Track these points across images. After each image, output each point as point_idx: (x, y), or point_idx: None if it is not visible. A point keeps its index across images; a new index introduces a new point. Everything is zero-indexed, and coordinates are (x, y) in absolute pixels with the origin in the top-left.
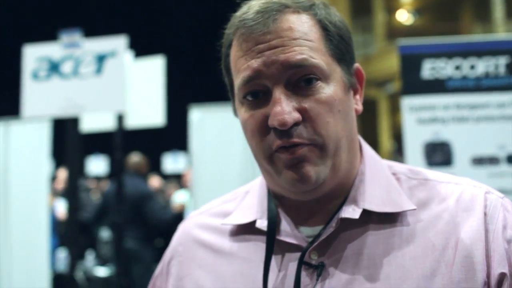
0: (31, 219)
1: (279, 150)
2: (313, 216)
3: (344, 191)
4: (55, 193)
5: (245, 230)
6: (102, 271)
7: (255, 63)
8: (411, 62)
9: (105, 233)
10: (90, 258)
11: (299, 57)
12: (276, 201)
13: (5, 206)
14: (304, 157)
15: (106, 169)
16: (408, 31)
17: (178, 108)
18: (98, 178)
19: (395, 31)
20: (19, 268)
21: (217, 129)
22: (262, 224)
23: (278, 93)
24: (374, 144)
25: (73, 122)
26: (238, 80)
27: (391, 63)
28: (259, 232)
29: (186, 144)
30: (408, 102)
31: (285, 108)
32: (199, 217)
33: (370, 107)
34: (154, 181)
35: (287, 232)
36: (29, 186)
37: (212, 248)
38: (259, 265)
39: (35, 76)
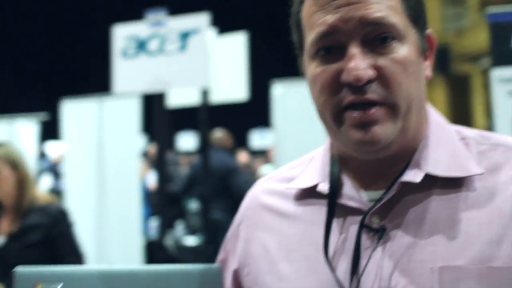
0: (124, 190)
1: (349, 108)
2: (376, 180)
3: (408, 155)
4: (148, 166)
5: (309, 194)
6: (191, 240)
7: (332, 18)
8: (501, 31)
9: (193, 205)
10: (179, 228)
11: (377, 14)
12: (339, 165)
13: (100, 178)
14: (375, 118)
15: (195, 145)
16: (503, 1)
17: (261, 83)
18: (188, 154)
19: (488, 2)
20: (114, 236)
21: (299, 104)
22: (324, 187)
23: (354, 49)
24: (467, 121)
25: (160, 97)
26: (311, 35)
27: (485, 36)
28: (321, 196)
29: (270, 119)
30: (497, 74)
31: (360, 64)
32: (266, 183)
33: (463, 82)
34: (242, 157)
35: (349, 196)
36: (122, 159)
37: (278, 212)
38: (321, 228)
39: (124, 54)
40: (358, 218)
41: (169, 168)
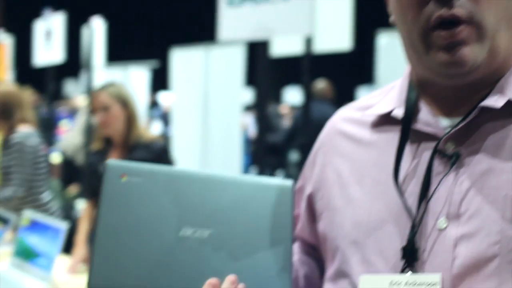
0: (227, 139)
1: (438, 28)
2: (455, 107)
3: (493, 82)
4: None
5: (385, 120)
6: None
7: None
8: None
9: (294, 155)
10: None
11: None
12: (417, 91)
13: (204, 126)
14: (462, 39)
15: (300, 99)
16: None
17: (365, 33)
18: (293, 107)
19: None
20: None
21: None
22: (399, 112)
23: None
24: None
25: (264, 46)
26: None
27: None
28: (397, 122)
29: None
30: None
31: None
32: (345, 111)
33: None
34: None
35: (424, 121)
36: (226, 108)
37: (353, 138)
38: (393, 153)
39: (230, 1)
40: (432, 144)
41: (273, 120)
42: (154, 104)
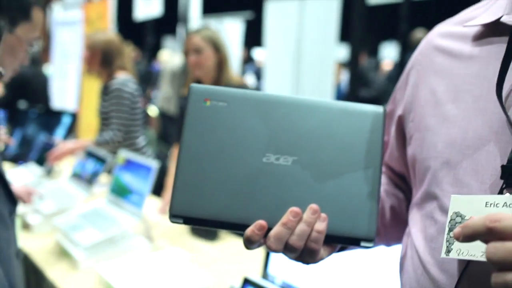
0: (319, 93)
1: None
2: None
3: None
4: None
5: (490, 31)
6: None
7: None
8: None
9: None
10: None
11: None
12: None
13: (296, 80)
14: None
15: (398, 55)
16: None
17: None
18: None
19: None
20: None
21: None
22: (510, 19)
23: None
24: None
25: None
26: None
27: None
28: (504, 31)
29: None
30: None
31: None
32: (442, 26)
33: None
34: None
35: None
36: (319, 62)
37: (451, 54)
38: (497, 66)
39: None
40: None
41: (368, 75)
42: (248, 60)
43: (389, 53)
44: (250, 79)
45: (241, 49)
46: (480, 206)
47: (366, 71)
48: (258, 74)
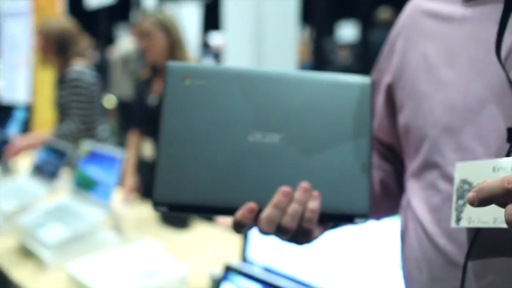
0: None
1: None
2: None
3: None
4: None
5: None
6: None
7: None
8: None
9: None
10: None
11: None
12: None
13: (258, 62)
14: None
15: (355, 36)
16: None
17: None
18: (347, 44)
19: None
20: None
21: None
22: None
23: None
24: None
25: None
26: None
27: None
28: None
29: None
30: None
31: None
32: None
33: None
34: None
35: None
36: (280, 37)
37: (441, 16)
38: (494, 26)
39: None
40: None
41: (329, 55)
42: (206, 44)
43: (347, 32)
44: (208, 61)
45: (199, 33)
46: (488, 171)
47: (327, 52)
48: (218, 59)
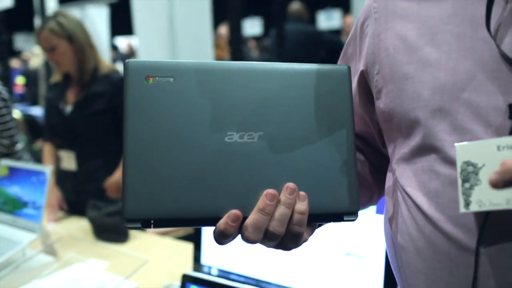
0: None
1: None
2: None
3: None
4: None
5: None
6: None
7: None
8: None
9: None
10: None
11: None
12: None
13: (174, 59)
14: None
15: (261, 30)
16: None
17: None
18: (255, 38)
19: None
20: None
21: None
22: None
23: None
24: None
25: None
26: None
27: None
28: None
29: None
30: None
31: None
32: None
33: None
34: None
35: None
36: (194, 35)
37: None
38: (477, 1)
39: None
40: None
41: (242, 48)
42: (113, 48)
43: (252, 29)
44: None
45: (108, 36)
46: (492, 151)
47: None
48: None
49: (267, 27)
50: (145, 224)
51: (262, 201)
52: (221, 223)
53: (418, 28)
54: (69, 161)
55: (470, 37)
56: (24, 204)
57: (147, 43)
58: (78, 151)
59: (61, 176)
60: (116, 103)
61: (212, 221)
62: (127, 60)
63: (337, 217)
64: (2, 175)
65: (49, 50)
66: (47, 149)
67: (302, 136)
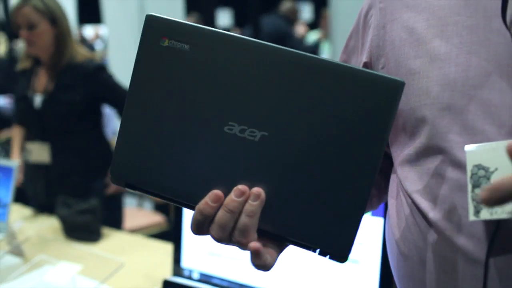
0: None
1: None
2: None
3: None
4: None
5: None
6: None
7: None
8: None
9: None
10: None
11: None
12: None
13: None
14: None
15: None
16: None
17: None
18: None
19: None
20: None
21: None
22: None
23: None
24: None
25: None
26: None
27: None
28: None
29: None
30: None
31: None
32: None
33: None
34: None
35: None
36: None
37: None
38: None
39: None
40: None
41: None
42: (81, 39)
43: (224, 20)
44: None
45: (76, 25)
46: (505, 154)
47: None
48: (92, 47)
49: (238, 18)
50: (128, 186)
51: (229, 197)
52: (201, 203)
53: (427, 19)
54: (41, 153)
55: (483, 29)
56: None
57: (117, 32)
58: (50, 144)
59: (31, 171)
60: (96, 90)
61: (190, 206)
62: (148, 14)
63: (321, 253)
64: None
65: (26, 27)
66: (15, 131)
67: (313, 153)
